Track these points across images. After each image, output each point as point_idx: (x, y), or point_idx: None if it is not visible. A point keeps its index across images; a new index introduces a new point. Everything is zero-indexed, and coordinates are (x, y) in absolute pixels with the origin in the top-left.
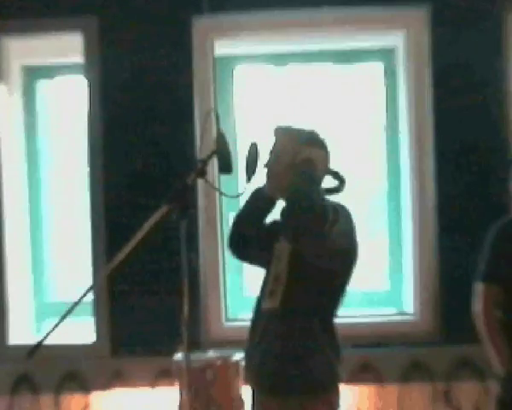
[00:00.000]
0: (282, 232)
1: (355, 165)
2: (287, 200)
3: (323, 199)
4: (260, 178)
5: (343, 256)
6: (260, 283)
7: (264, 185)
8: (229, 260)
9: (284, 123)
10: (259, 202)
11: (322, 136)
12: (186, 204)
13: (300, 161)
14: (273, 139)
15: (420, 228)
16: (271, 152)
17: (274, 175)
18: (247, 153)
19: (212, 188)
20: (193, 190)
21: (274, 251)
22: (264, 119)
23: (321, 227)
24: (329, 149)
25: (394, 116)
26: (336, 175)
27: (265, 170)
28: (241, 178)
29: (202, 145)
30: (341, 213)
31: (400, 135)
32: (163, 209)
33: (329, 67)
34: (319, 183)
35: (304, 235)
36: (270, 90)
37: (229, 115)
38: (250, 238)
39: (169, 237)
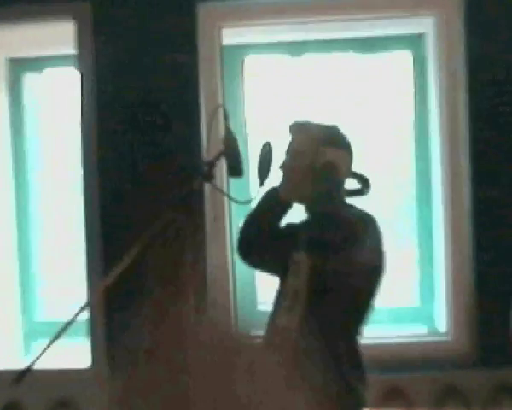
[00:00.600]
0: (300, 243)
1: (380, 165)
2: (308, 210)
3: (351, 206)
4: (274, 182)
5: (371, 273)
6: (274, 294)
7: (280, 186)
8: (239, 271)
9: (301, 119)
10: (273, 203)
11: (343, 133)
12: (191, 210)
13: (321, 165)
14: (289, 137)
15: (453, 237)
16: (287, 152)
17: (290, 178)
18: (259, 153)
19: (220, 193)
20: (199, 195)
21: (290, 262)
22: (279, 115)
23: (349, 245)
24: (352, 147)
25: (424, 111)
26: (360, 178)
27: (280, 172)
28: (253, 181)
29: (209, 145)
30: (369, 226)
31: (431, 132)
32: (165, 218)
33: (351, 57)
34: (342, 188)
35: (329, 252)
36: (285, 82)
37: (238, 111)
38: (261, 243)
39: (173, 247)
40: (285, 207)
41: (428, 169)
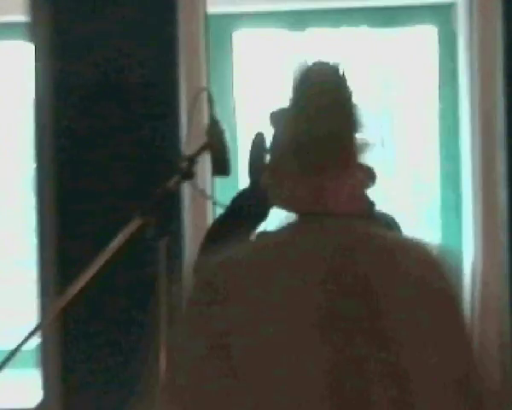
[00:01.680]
0: None
1: (398, 160)
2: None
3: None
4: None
5: None
6: None
7: (253, 188)
8: None
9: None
10: (245, 211)
11: None
12: (166, 217)
13: None
14: (270, 130)
15: (486, 249)
16: (273, 147)
17: (279, 180)
18: (250, 147)
19: (202, 195)
20: (176, 198)
21: None
22: (274, 101)
23: None
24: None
25: (452, 96)
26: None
27: (266, 172)
28: (243, 181)
29: (189, 136)
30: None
31: (460, 125)
32: (134, 224)
33: (364, 32)
34: None
35: None
36: (283, 62)
37: (226, 96)
38: None
39: (143, 263)
40: (262, 215)
41: (456, 167)
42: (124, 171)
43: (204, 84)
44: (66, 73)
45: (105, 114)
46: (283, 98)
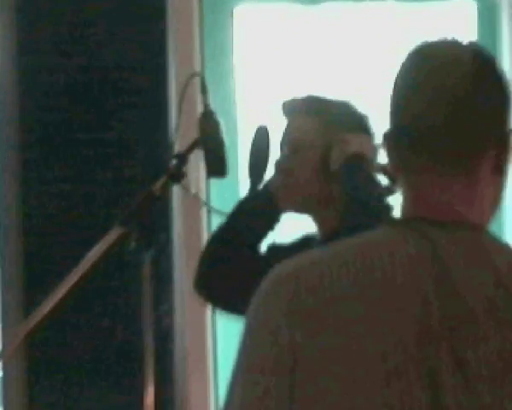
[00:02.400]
0: None
1: None
2: (322, 226)
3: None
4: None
5: None
6: None
7: (275, 190)
8: (223, 320)
9: (301, 95)
10: (253, 216)
11: (361, 112)
12: (151, 226)
13: (344, 160)
14: (283, 122)
15: None
16: (283, 143)
17: (292, 183)
18: (251, 142)
19: (195, 200)
20: (163, 203)
21: None
22: (281, 89)
23: None
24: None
25: None
26: (388, 172)
27: (274, 171)
28: (244, 183)
29: (179, 131)
30: None
31: None
32: (114, 234)
33: (389, 7)
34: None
35: None
36: (293, 43)
37: (224, 83)
38: (233, 274)
39: (125, 279)
40: (272, 220)
41: None
42: (101, 173)
43: (197, 68)
44: (36, 59)
45: (85, 110)
46: (292, 85)
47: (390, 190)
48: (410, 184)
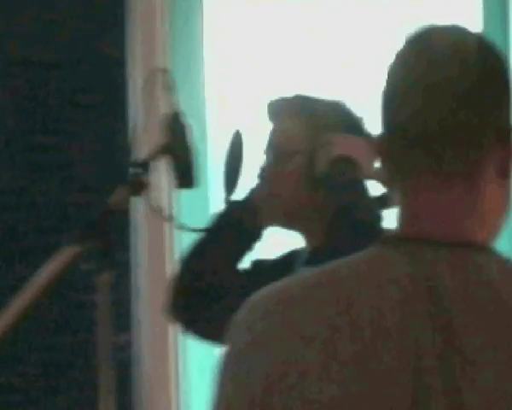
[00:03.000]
0: None
1: None
2: (310, 240)
3: None
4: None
5: None
6: None
7: (258, 202)
8: (189, 345)
9: (287, 94)
10: (232, 232)
11: (355, 113)
12: (108, 244)
13: (331, 162)
14: (268, 124)
15: None
16: (268, 148)
17: (277, 193)
18: (228, 150)
19: (158, 215)
20: (122, 218)
21: None
22: (258, 87)
23: None
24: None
25: None
26: (382, 179)
27: (258, 180)
28: (216, 193)
29: (142, 135)
30: None
31: None
32: (66, 254)
33: None
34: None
35: None
36: (271, 35)
37: (193, 80)
38: (211, 296)
39: (79, 304)
40: (254, 237)
41: None
42: (49, 182)
43: (162, 62)
44: None
45: (31, 111)
46: (270, 82)
47: (382, 202)
48: (405, 190)
